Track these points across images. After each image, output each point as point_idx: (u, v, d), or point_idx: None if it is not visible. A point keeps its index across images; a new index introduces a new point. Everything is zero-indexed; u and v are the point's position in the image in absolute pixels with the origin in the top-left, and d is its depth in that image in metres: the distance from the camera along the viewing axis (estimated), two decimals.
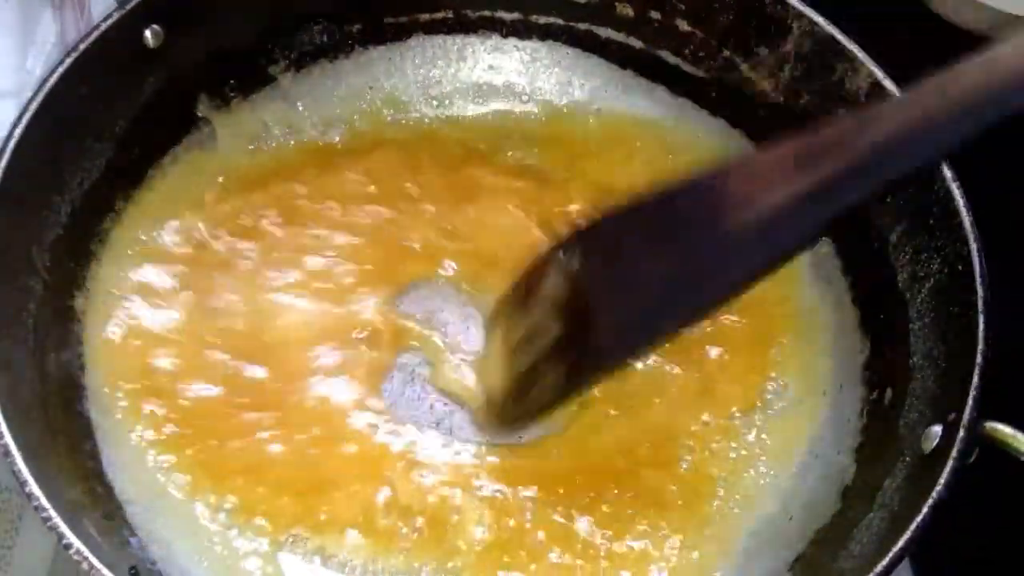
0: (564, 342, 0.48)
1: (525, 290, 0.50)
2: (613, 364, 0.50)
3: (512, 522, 0.62)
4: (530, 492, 0.63)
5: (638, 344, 0.48)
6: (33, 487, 0.50)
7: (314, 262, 0.70)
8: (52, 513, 0.50)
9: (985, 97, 0.38)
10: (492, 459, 0.64)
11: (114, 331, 0.66)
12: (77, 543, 0.49)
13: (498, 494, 0.63)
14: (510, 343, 0.52)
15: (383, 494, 0.62)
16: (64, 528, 0.50)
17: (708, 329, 0.69)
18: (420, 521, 0.61)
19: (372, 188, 0.74)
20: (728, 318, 0.70)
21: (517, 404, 0.54)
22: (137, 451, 0.62)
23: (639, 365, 0.67)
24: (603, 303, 0.45)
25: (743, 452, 0.66)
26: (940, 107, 0.38)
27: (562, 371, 0.49)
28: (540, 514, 0.62)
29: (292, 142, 0.75)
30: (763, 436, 0.66)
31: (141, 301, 0.67)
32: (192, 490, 0.62)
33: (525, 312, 0.50)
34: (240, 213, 0.72)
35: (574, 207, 0.74)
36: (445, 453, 0.64)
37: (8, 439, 0.52)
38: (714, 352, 0.69)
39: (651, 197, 0.45)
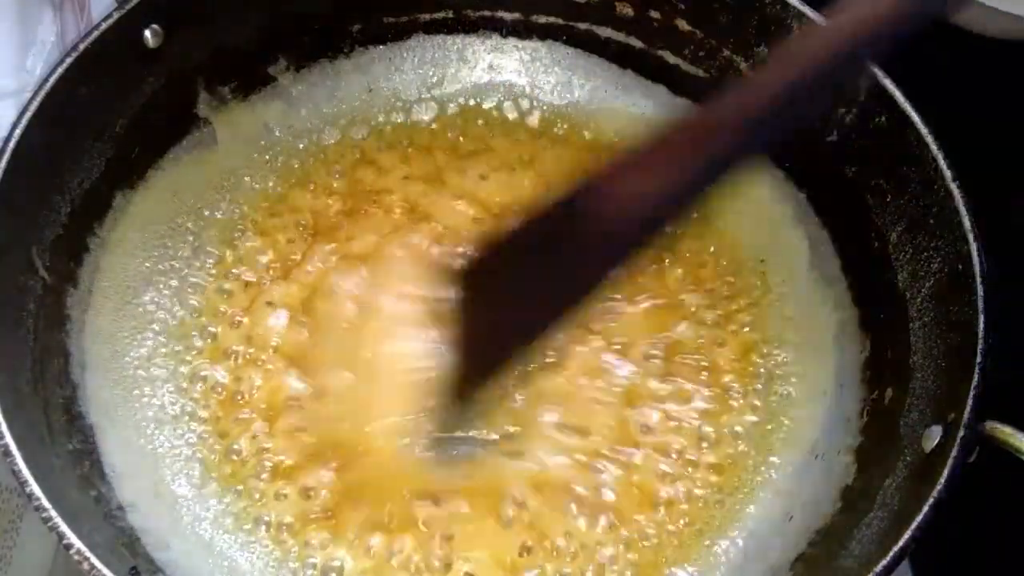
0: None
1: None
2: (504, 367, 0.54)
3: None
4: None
5: (520, 347, 0.53)
6: (33, 487, 0.50)
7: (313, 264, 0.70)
8: (53, 513, 0.50)
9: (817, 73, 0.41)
10: None
11: (114, 332, 0.66)
12: (78, 543, 0.49)
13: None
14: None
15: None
16: (65, 528, 0.50)
17: (709, 331, 0.69)
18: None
19: (372, 188, 0.74)
20: (729, 319, 0.70)
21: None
22: (137, 452, 0.63)
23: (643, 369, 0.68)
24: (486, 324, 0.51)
25: (743, 452, 0.66)
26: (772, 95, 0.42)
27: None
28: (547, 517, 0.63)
29: (292, 142, 0.75)
30: (763, 436, 0.66)
31: (141, 301, 0.67)
32: (192, 490, 0.62)
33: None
34: (240, 213, 0.72)
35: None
36: None
37: (8, 439, 0.52)
38: (714, 353, 0.69)
39: (530, 223, 0.49)
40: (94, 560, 0.49)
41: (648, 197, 0.43)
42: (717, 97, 0.43)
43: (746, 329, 0.70)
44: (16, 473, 0.51)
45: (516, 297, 0.49)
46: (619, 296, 0.70)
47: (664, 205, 0.44)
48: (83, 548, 0.49)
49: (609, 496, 0.63)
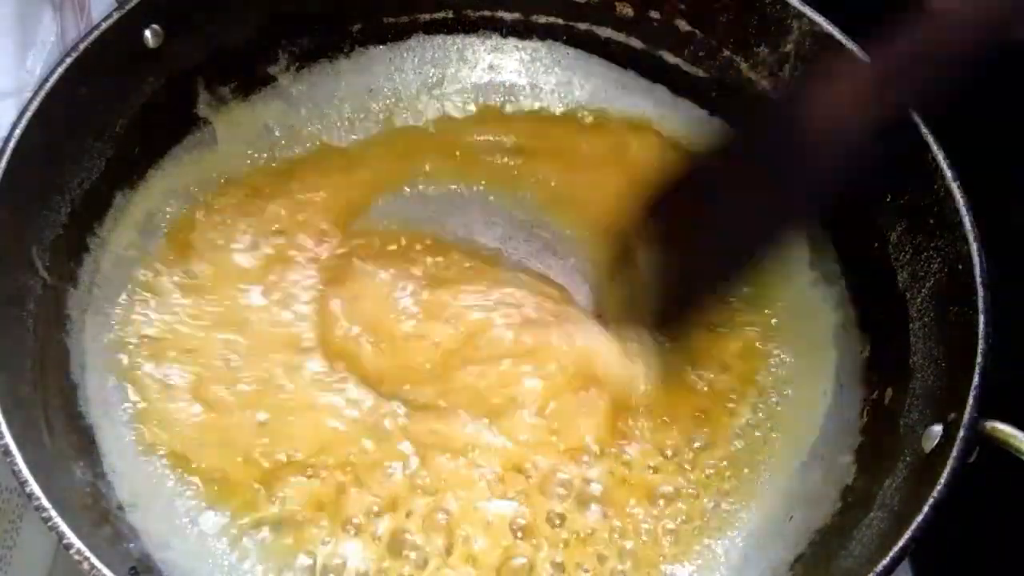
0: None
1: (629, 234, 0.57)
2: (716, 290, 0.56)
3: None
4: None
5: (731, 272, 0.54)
6: (33, 487, 0.50)
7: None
8: (52, 513, 0.50)
9: None
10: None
11: (113, 331, 0.66)
12: (77, 543, 0.49)
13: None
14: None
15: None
16: (64, 528, 0.50)
17: (709, 331, 0.69)
18: None
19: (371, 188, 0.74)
20: (729, 320, 0.70)
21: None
22: (137, 451, 0.63)
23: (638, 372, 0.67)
24: (695, 247, 0.51)
25: (744, 452, 0.66)
26: None
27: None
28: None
29: (292, 141, 0.75)
30: (764, 436, 0.66)
31: (140, 301, 0.67)
32: (190, 490, 0.62)
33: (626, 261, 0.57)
34: (240, 212, 0.72)
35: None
36: None
37: (8, 439, 0.52)
38: (714, 354, 0.69)
39: (736, 139, 0.50)
40: (94, 560, 0.49)
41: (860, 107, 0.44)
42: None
43: (745, 329, 0.69)
44: (16, 473, 0.51)
45: (716, 222, 0.49)
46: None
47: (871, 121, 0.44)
48: (83, 548, 0.49)
49: (596, 487, 0.63)
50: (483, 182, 0.75)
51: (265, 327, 0.67)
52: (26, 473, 0.51)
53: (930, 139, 0.61)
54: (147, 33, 0.65)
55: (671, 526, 0.63)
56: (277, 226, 0.71)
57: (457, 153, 0.76)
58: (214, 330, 0.67)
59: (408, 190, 0.74)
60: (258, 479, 0.62)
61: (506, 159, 0.76)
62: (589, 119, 0.77)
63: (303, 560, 0.60)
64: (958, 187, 0.60)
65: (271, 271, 0.69)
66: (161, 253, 0.69)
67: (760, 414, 0.67)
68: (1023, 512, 0.68)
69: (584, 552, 0.62)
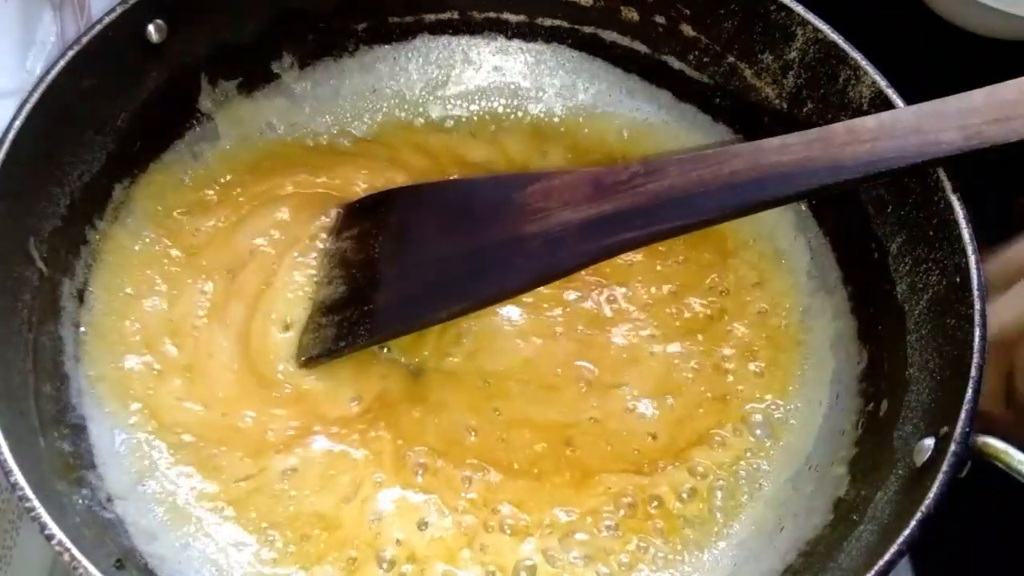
0: (349, 298, 0.54)
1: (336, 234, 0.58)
2: (388, 333, 0.54)
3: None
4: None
5: (413, 320, 0.53)
6: (17, 476, 0.50)
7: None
8: (35, 503, 0.50)
9: (752, 180, 0.49)
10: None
11: (109, 324, 0.66)
12: (59, 534, 0.49)
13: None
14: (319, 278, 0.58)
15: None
16: (47, 518, 0.50)
17: (706, 339, 0.69)
18: None
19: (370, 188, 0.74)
20: (727, 327, 0.69)
21: (309, 338, 0.59)
22: (127, 444, 0.63)
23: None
24: (389, 274, 0.52)
25: (738, 461, 0.65)
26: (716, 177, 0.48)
27: (344, 321, 0.55)
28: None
29: (295, 139, 0.75)
30: (759, 446, 0.66)
31: (137, 294, 0.67)
32: (179, 483, 0.62)
33: (331, 257, 0.57)
34: (240, 208, 0.72)
35: None
36: None
37: None
38: (711, 361, 0.68)
39: (458, 184, 0.54)
40: (75, 551, 0.49)
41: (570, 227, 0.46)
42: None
43: (743, 336, 0.69)
44: (1, 463, 0.51)
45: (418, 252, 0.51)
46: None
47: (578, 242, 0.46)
48: (64, 539, 0.49)
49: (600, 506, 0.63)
50: None
51: None
52: (11, 462, 0.51)
53: None
54: (150, 28, 0.65)
55: (663, 536, 0.62)
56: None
57: None
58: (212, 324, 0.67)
59: None
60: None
61: None
62: None
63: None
64: (958, 199, 0.59)
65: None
66: (160, 247, 0.69)
67: (755, 425, 0.66)
68: (1016, 528, 0.68)
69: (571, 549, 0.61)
